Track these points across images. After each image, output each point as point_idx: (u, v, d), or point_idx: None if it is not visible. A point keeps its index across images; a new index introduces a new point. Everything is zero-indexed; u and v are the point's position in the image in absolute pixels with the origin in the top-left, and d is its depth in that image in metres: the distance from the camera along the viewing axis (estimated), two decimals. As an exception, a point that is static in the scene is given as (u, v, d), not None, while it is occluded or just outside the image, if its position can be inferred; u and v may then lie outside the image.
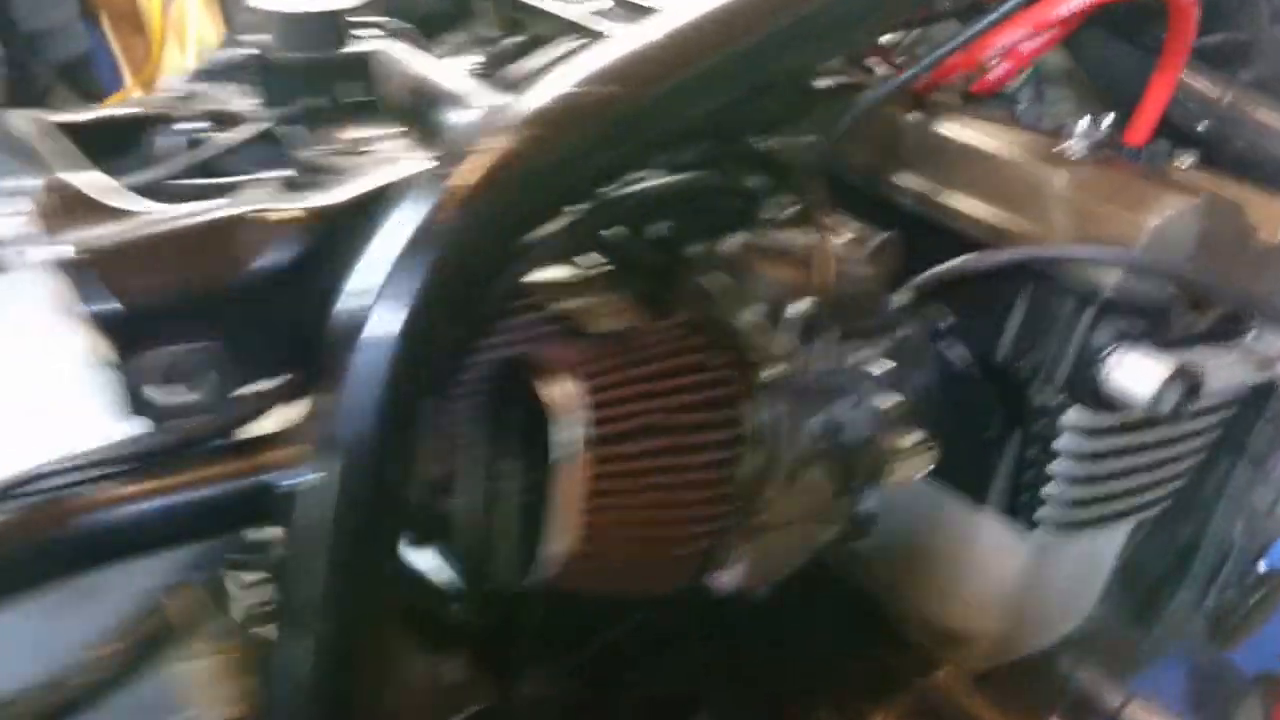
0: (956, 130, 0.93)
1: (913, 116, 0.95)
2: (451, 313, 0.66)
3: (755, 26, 0.71)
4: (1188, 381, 0.82)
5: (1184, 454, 0.96)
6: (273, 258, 0.65)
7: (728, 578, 0.83)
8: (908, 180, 0.94)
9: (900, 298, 0.81)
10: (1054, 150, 0.90)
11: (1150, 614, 1.24)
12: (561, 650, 0.99)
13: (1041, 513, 0.91)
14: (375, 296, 0.64)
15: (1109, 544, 1.04)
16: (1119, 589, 1.20)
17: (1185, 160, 1.01)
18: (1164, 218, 0.81)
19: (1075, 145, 0.89)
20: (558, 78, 0.68)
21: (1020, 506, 0.92)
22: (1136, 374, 0.83)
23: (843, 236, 0.85)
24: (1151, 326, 0.84)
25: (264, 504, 0.65)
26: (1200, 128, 1.07)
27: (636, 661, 1.01)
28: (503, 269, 0.68)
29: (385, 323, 0.64)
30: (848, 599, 1.06)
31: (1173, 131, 1.09)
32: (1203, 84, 1.08)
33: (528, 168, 0.65)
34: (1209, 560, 1.17)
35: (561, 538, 0.67)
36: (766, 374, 0.75)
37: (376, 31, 0.83)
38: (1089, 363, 0.84)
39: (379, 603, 0.68)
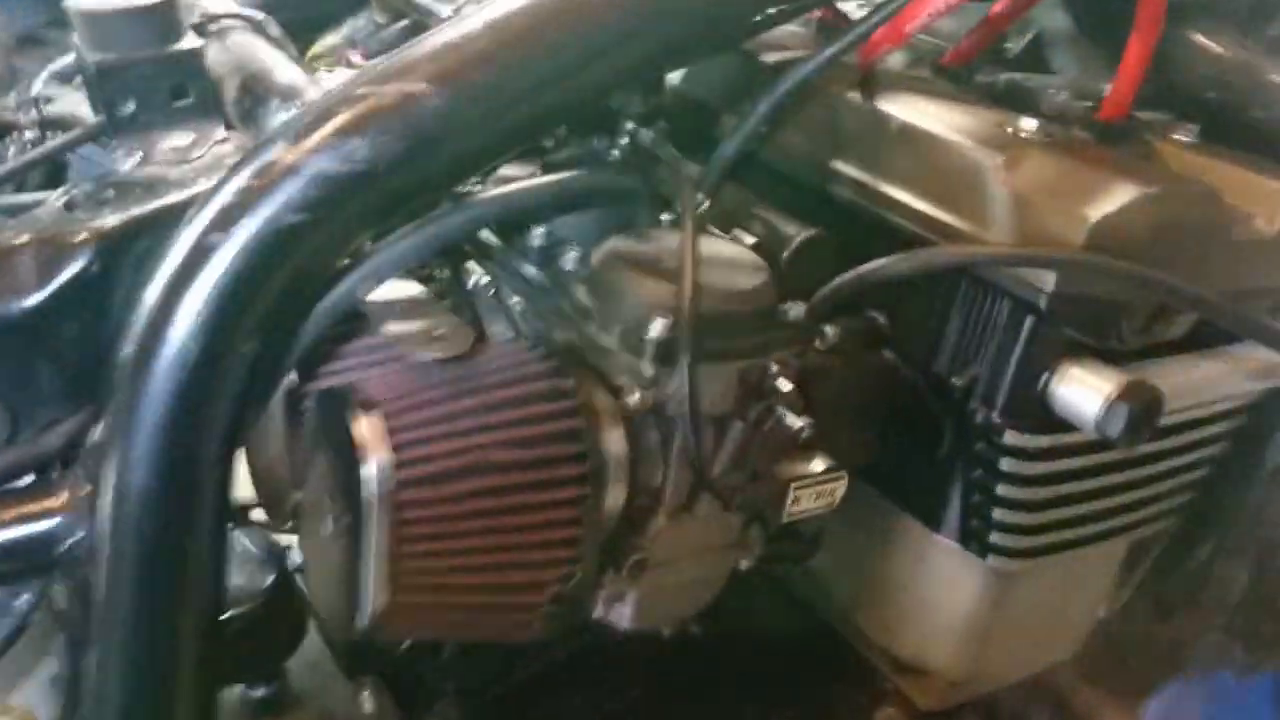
0: (898, 108, 0.82)
1: (853, 94, 0.85)
2: (246, 337, 0.60)
3: (599, 17, 0.62)
4: (1141, 399, 0.70)
5: (1162, 474, 0.83)
6: (50, 284, 0.60)
7: (619, 618, 0.75)
8: (845, 167, 0.84)
9: (799, 309, 0.71)
10: (1005, 130, 0.79)
11: (1169, 636, 1.12)
12: (480, 683, 0.92)
13: (993, 539, 0.81)
14: (159, 323, 0.59)
15: (1095, 570, 0.93)
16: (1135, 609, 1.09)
17: (1185, 134, 0.88)
18: (1107, 211, 0.69)
19: (1027, 123, 0.78)
20: (363, 75, 0.61)
21: (971, 532, 0.82)
22: (1082, 391, 0.72)
23: (742, 239, 0.76)
24: (1102, 336, 0.72)
25: (45, 552, 0.60)
26: (1210, 94, 0.93)
27: (566, 693, 0.94)
28: (308, 289, 0.62)
29: (169, 351, 0.58)
30: (799, 627, 0.97)
31: (1184, 98, 0.96)
32: (1214, 43, 0.94)
33: (316, 178, 0.58)
34: (1230, 582, 1.04)
35: (372, 587, 0.61)
36: (632, 400, 0.66)
37: (229, 25, 0.76)
38: (1030, 378, 0.74)
39: (178, 650, 0.63)
